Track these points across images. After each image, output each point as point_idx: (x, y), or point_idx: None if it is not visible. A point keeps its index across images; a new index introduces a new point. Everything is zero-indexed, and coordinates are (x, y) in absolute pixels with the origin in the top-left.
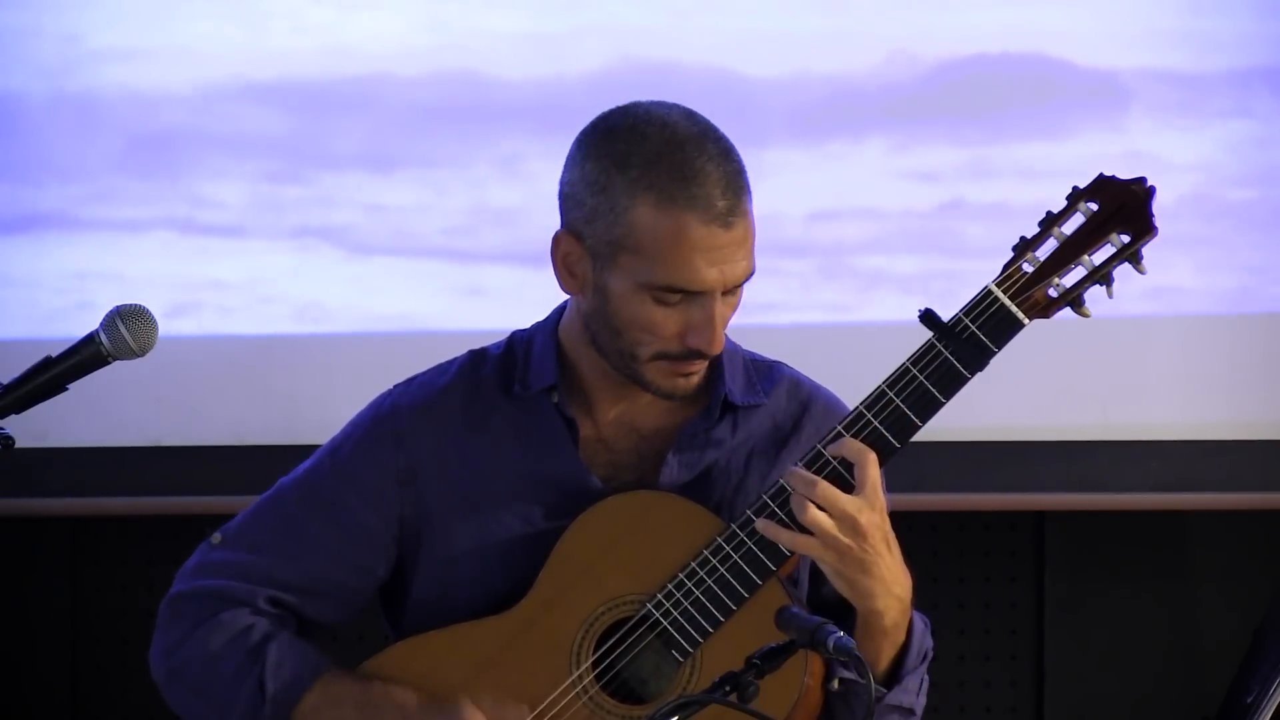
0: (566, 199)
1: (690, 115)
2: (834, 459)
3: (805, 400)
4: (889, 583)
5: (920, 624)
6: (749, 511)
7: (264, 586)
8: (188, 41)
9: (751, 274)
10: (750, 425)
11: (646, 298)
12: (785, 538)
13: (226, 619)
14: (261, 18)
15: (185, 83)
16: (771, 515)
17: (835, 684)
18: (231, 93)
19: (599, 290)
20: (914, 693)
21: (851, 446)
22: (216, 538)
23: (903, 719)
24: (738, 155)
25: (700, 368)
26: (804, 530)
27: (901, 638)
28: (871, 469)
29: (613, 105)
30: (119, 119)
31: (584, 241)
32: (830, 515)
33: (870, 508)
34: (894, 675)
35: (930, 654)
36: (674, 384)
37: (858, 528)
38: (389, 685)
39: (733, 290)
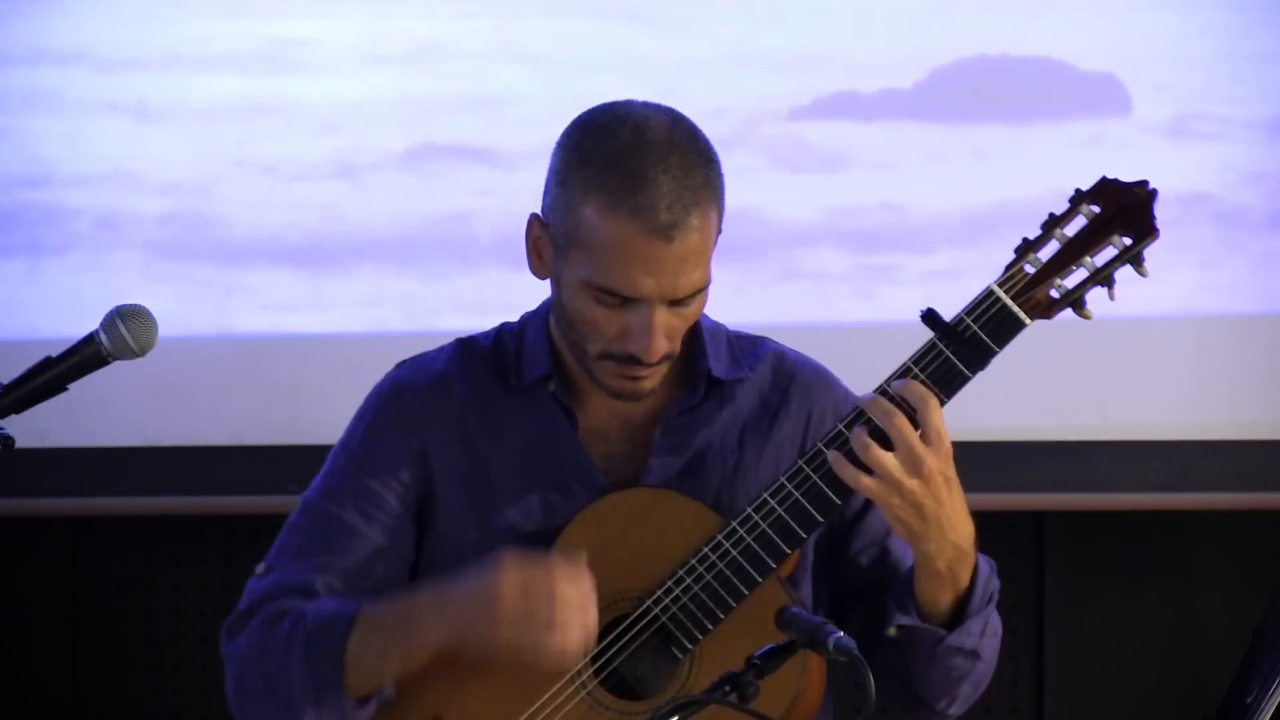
0: (545, 186)
1: (674, 124)
2: (898, 397)
3: (791, 371)
4: (945, 528)
5: (985, 567)
6: (800, 463)
7: (319, 576)
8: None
9: (702, 288)
10: (737, 402)
11: (589, 295)
12: (849, 474)
13: (268, 609)
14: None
15: (193, 84)
16: (821, 467)
17: (893, 630)
18: (240, 97)
19: (556, 279)
20: (977, 634)
21: (915, 390)
22: (261, 568)
23: (966, 660)
24: (706, 172)
25: (650, 374)
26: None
27: (963, 582)
28: (935, 414)
29: None
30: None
31: (549, 229)
32: (896, 453)
33: (935, 453)
34: (957, 617)
35: (995, 595)
36: (621, 385)
37: (920, 469)
38: (421, 589)
39: (682, 301)
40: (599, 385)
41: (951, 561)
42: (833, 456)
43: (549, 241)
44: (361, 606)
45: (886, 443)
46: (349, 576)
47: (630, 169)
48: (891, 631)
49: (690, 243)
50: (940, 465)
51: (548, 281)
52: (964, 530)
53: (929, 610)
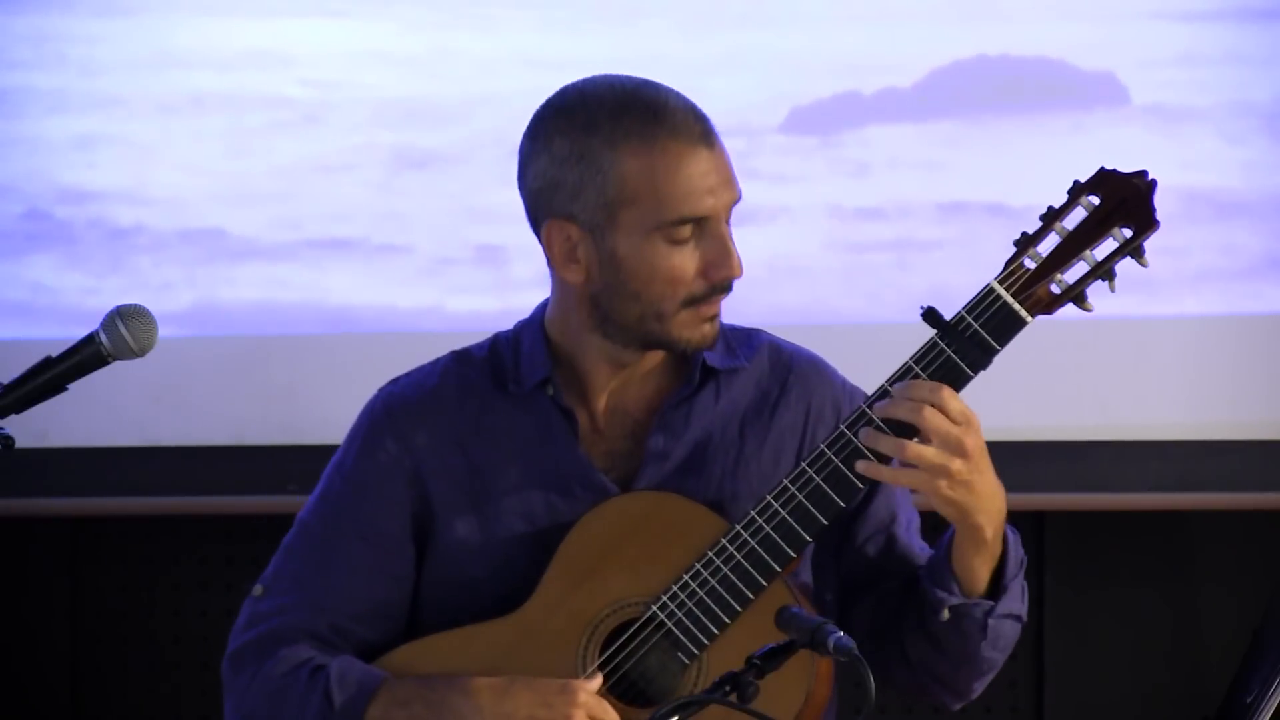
0: (542, 191)
1: (618, 74)
2: (880, 417)
3: (788, 362)
4: (990, 495)
5: (1012, 535)
6: (803, 464)
7: (321, 614)
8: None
9: (740, 196)
10: (734, 392)
11: (659, 243)
12: (888, 475)
13: (285, 654)
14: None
15: (191, 83)
16: (825, 468)
17: (945, 614)
18: (241, 97)
19: (607, 262)
20: (1019, 598)
21: (921, 385)
22: (258, 590)
23: (1014, 626)
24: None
25: (720, 308)
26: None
27: (999, 550)
28: (951, 399)
29: None
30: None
31: (577, 220)
32: (933, 441)
33: (968, 430)
34: (997, 586)
35: (1025, 561)
36: (703, 331)
37: (963, 449)
38: (452, 676)
39: (729, 214)
40: (674, 346)
41: (997, 527)
42: (863, 465)
43: (582, 234)
44: (386, 677)
45: (897, 432)
46: (347, 604)
47: (641, 105)
48: (944, 616)
49: (721, 144)
50: (977, 440)
51: (545, 287)
52: (1002, 494)
53: (969, 587)
